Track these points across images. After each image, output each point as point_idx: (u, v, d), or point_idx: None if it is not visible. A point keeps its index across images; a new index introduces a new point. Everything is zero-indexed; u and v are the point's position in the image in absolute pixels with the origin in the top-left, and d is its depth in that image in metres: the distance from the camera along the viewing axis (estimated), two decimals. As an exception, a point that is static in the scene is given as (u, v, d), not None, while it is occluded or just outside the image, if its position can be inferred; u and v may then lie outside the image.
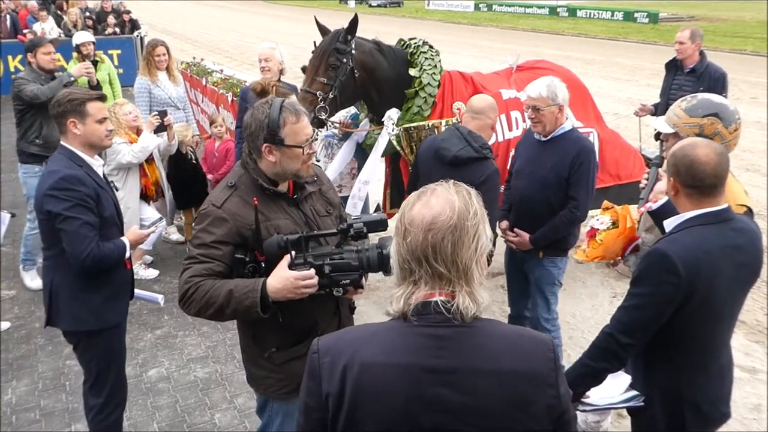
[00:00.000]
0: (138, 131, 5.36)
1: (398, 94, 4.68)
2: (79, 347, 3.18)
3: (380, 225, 2.28)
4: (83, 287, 3.03)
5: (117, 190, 5.19)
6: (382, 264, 2.22)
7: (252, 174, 2.38)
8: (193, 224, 2.47)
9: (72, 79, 5.38)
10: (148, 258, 5.86)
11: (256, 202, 2.23)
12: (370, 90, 4.62)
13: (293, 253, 2.23)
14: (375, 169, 4.95)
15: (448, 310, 1.43)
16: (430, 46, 4.85)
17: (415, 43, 4.86)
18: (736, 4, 43.20)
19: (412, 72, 4.69)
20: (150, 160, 5.43)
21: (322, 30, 4.58)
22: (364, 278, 2.31)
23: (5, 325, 4.87)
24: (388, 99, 4.68)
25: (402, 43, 4.98)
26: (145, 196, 5.45)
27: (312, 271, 2.21)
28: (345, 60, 4.36)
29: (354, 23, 4.40)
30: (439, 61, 4.79)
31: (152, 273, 5.74)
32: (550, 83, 3.66)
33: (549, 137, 3.72)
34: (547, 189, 3.71)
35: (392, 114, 4.65)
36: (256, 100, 4.64)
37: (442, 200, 1.45)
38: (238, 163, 2.48)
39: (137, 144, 5.16)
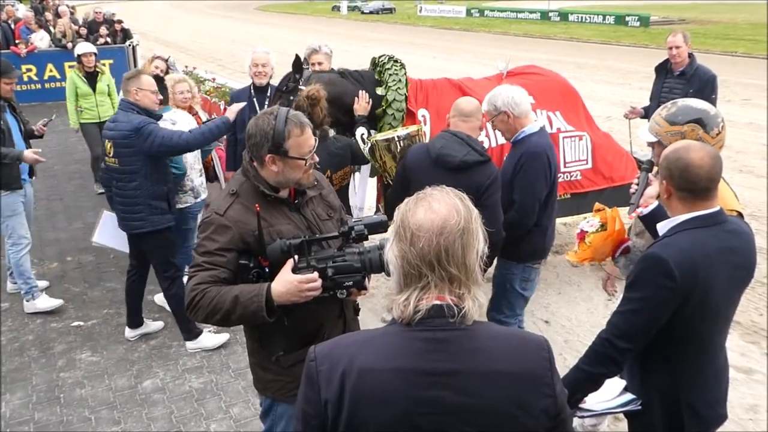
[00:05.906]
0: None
1: (371, 114, 4.71)
2: None
3: (381, 227, 2.29)
4: None
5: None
6: (383, 265, 2.21)
7: (253, 181, 2.40)
8: (197, 233, 2.49)
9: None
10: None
11: (258, 208, 2.26)
12: (338, 115, 4.48)
13: (296, 257, 2.26)
14: (366, 194, 5.08)
15: (453, 314, 1.45)
16: (395, 61, 4.89)
17: (382, 60, 4.91)
18: (728, 6, 43.48)
19: (379, 91, 4.76)
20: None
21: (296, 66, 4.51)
22: (367, 280, 2.33)
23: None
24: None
25: (373, 61, 5.04)
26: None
27: (315, 274, 2.23)
28: (292, 98, 4.24)
29: (298, 62, 4.41)
30: (404, 74, 4.83)
31: None
32: (490, 95, 3.72)
33: (513, 141, 3.79)
34: (502, 193, 3.73)
35: (360, 133, 4.58)
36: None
37: (445, 204, 1.47)
38: (239, 170, 2.50)
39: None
